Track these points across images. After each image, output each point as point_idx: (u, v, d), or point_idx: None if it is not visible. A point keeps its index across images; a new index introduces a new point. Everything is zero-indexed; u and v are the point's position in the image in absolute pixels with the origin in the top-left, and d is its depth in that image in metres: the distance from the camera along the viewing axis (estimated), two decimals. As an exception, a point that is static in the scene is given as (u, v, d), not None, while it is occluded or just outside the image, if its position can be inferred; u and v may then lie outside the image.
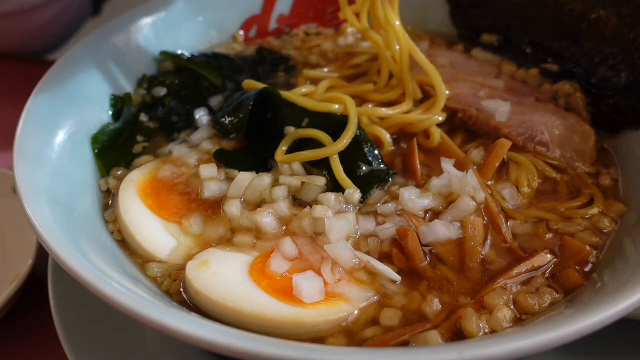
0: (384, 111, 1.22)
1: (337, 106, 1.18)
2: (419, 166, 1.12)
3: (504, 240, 1.01)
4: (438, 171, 1.11)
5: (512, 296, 0.92)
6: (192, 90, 1.39)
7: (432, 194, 1.06)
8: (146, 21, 1.44)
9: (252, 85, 1.28)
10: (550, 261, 0.98)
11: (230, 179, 1.10)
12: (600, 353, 0.99)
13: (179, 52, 1.48)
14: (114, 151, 1.22)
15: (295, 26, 1.69)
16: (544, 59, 1.43)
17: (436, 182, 1.07)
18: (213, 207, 1.08)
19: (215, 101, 1.33)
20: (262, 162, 1.17)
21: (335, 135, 1.12)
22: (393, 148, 1.21)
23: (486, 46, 1.53)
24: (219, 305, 0.89)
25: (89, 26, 2.01)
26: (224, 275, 0.93)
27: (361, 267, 0.96)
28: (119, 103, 1.32)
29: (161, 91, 1.38)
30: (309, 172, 1.12)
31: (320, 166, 1.11)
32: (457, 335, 0.87)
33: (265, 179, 1.08)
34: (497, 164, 1.13)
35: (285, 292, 0.91)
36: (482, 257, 0.98)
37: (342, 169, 1.09)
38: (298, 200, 1.08)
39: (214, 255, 0.98)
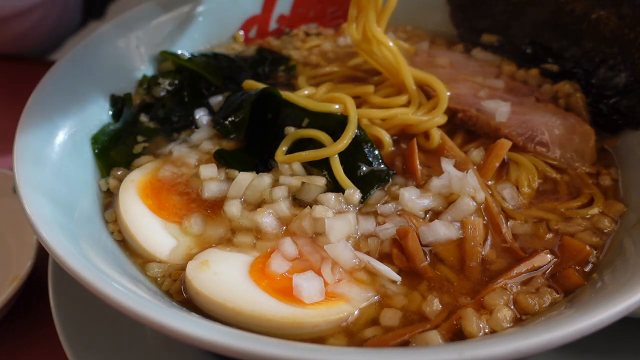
0: (384, 112, 1.22)
1: (337, 106, 1.18)
2: (419, 166, 1.13)
3: (504, 240, 1.01)
4: (438, 171, 1.11)
5: (512, 296, 0.92)
6: (192, 90, 1.39)
7: (432, 194, 1.06)
8: (146, 21, 1.44)
9: (252, 85, 1.28)
10: (550, 261, 0.98)
11: (230, 179, 1.10)
12: (600, 352, 0.99)
13: (179, 52, 1.48)
14: (114, 151, 1.22)
15: (295, 26, 1.69)
16: (544, 59, 1.43)
17: (436, 182, 1.07)
18: (213, 207, 1.08)
19: (215, 101, 1.33)
20: (262, 162, 1.17)
21: (335, 136, 1.12)
22: (393, 148, 1.21)
23: (486, 46, 1.53)
24: (219, 305, 0.89)
25: (92, 28, 2.01)
26: (224, 275, 0.93)
27: (361, 267, 0.96)
28: (119, 103, 1.32)
29: (161, 91, 1.38)
30: (309, 172, 1.12)
31: (320, 166, 1.11)
32: (457, 335, 0.87)
33: (265, 179, 1.08)
34: (497, 164, 1.13)
35: (285, 292, 0.91)
36: (482, 257, 0.98)
37: (341, 169, 1.09)
38: (298, 200, 1.08)
39: (214, 255, 0.98)
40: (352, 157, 1.12)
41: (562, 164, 1.18)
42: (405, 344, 0.86)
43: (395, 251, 0.98)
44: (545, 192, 1.13)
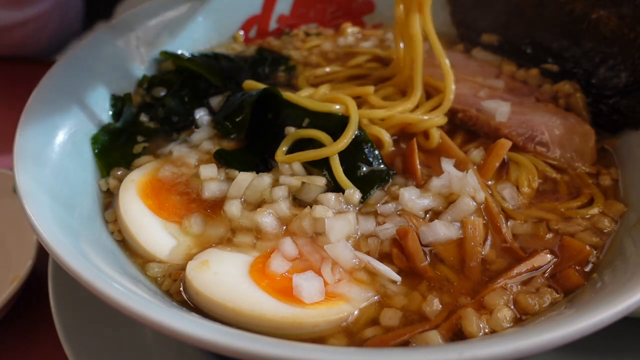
0: (384, 112, 1.22)
1: (337, 106, 1.18)
2: (418, 166, 1.12)
3: (504, 240, 1.01)
4: (438, 171, 1.11)
5: (512, 296, 0.92)
6: (192, 90, 1.39)
7: (432, 194, 1.06)
8: (146, 21, 1.44)
9: (253, 85, 1.28)
10: (550, 261, 0.98)
11: (230, 179, 1.10)
12: (600, 352, 0.99)
13: (179, 52, 1.48)
14: (114, 151, 1.22)
15: (295, 26, 1.69)
16: (544, 59, 1.43)
17: (436, 182, 1.07)
18: (213, 207, 1.08)
19: (215, 101, 1.33)
20: (262, 162, 1.17)
21: (336, 136, 1.12)
22: (393, 148, 1.21)
23: (486, 46, 1.53)
24: (219, 305, 0.89)
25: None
26: (224, 275, 0.93)
27: (361, 267, 0.96)
28: (119, 103, 1.32)
29: (161, 91, 1.38)
30: (309, 172, 1.12)
31: (320, 166, 1.11)
32: (457, 335, 0.87)
33: (265, 179, 1.08)
34: (497, 164, 1.13)
35: (285, 292, 0.91)
36: (482, 257, 0.99)
37: (341, 169, 1.09)
38: (298, 200, 1.08)
39: (214, 255, 0.98)
40: (352, 157, 1.12)
41: (562, 164, 1.18)
42: (405, 344, 0.86)
43: (395, 251, 0.98)
44: (545, 192, 1.13)
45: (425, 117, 1.22)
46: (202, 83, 1.41)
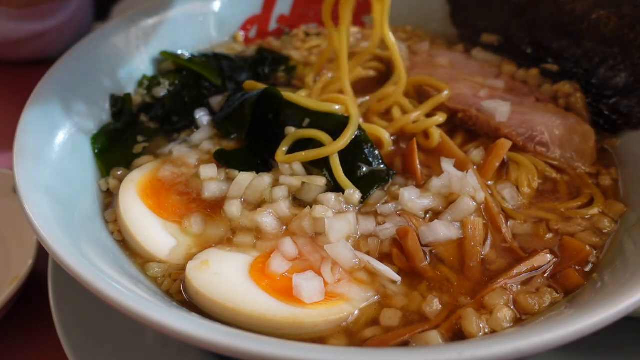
0: (381, 104, 1.24)
1: (338, 106, 1.18)
2: (418, 166, 1.12)
3: (504, 240, 1.01)
4: (438, 171, 1.11)
5: (512, 296, 0.92)
6: (192, 90, 1.39)
7: (432, 194, 1.06)
8: (146, 21, 1.44)
9: (253, 85, 1.28)
10: (550, 261, 0.98)
11: (230, 179, 1.10)
12: (600, 352, 0.99)
13: (179, 52, 1.48)
14: (114, 151, 1.22)
15: (295, 26, 1.69)
16: (544, 59, 1.43)
17: (436, 182, 1.07)
18: (213, 207, 1.08)
19: (215, 101, 1.33)
20: (262, 162, 1.17)
21: (336, 136, 1.12)
22: (393, 148, 1.21)
23: (486, 46, 1.53)
24: (219, 305, 0.89)
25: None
26: (224, 275, 0.93)
27: (361, 267, 0.96)
28: (119, 103, 1.32)
29: (161, 91, 1.38)
30: (309, 172, 1.12)
31: (320, 166, 1.11)
32: (457, 335, 0.87)
33: (266, 179, 1.08)
34: (497, 164, 1.13)
35: (285, 292, 0.91)
36: (482, 257, 0.99)
37: (341, 169, 1.09)
38: (298, 200, 1.08)
39: (214, 255, 0.98)
40: (352, 157, 1.12)
41: (562, 164, 1.18)
42: (405, 344, 0.86)
43: (395, 251, 0.98)
44: (545, 192, 1.13)
45: (414, 115, 1.23)
46: (202, 83, 1.41)
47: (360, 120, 1.21)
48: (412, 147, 1.15)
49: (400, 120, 1.24)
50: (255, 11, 1.64)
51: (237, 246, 1.01)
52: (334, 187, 1.09)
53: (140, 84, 1.40)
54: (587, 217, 1.07)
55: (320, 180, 1.08)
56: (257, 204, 1.07)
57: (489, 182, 1.13)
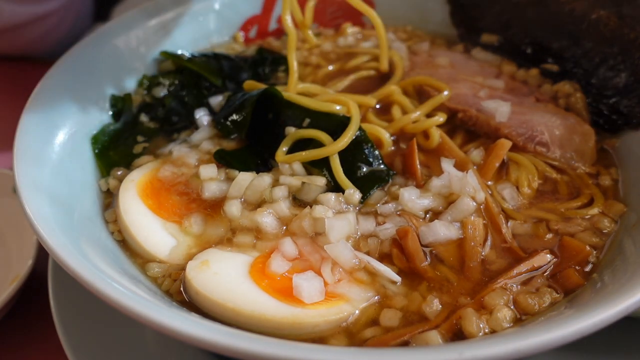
0: (386, 124, 1.25)
1: (338, 107, 1.18)
2: (418, 166, 1.12)
3: (504, 240, 1.01)
4: (438, 171, 1.11)
5: (512, 296, 0.92)
6: (192, 90, 1.39)
7: (432, 194, 1.06)
8: (146, 21, 1.44)
9: (253, 85, 1.28)
10: (550, 261, 0.98)
11: (230, 179, 1.10)
12: (600, 352, 0.99)
13: (179, 52, 1.48)
14: (114, 151, 1.22)
15: (295, 26, 1.69)
16: (544, 59, 1.43)
17: (436, 182, 1.07)
18: (213, 207, 1.08)
19: (215, 101, 1.33)
20: (262, 162, 1.17)
21: (336, 136, 1.12)
22: (393, 148, 1.21)
23: (486, 46, 1.53)
24: (219, 305, 0.89)
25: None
26: (224, 275, 0.93)
27: (361, 267, 0.96)
28: (119, 103, 1.32)
29: (161, 91, 1.38)
30: (309, 172, 1.12)
31: (320, 166, 1.11)
32: (457, 335, 0.87)
33: (266, 179, 1.08)
34: (497, 164, 1.13)
35: (285, 292, 0.91)
36: (482, 257, 0.99)
37: (341, 169, 1.09)
38: (298, 200, 1.08)
39: (214, 255, 0.98)
40: (352, 158, 1.12)
41: (562, 164, 1.18)
42: (405, 344, 0.86)
43: (395, 251, 0.98)
44: (545, 192, 1.13)
45: (416, 115, 1.24)
46: (202, 83, 1.41)
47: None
48: (412, 147, 1.15)
49: (400, 120, 1.24)
50: (255, 11, 1.64)
51: (237, 246, 1.01)
52: (334, 187, 1.09)
53: (140, 84, 1.40)
54: (587, 217, 1.07)
55: (320, 180, 1.08)
56: (257, 204, 1.07)
57: (489, 182, 1.13)
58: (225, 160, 1.15)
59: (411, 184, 1.11)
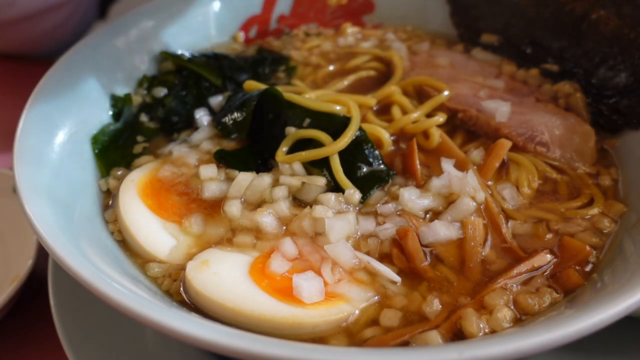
0: (386, 124, 1.25)
1: (339, 107, 1.18)
2: (418, 166, 1.12)
3: (504, 240, 1.01)
4: (438, 171, 1.11)
5: (512, 296, 0.92)
6: (192, 90, 1.39)
7: (432, 194, 1.06)
8: (146, 21, 1.44)
9: (254, 86, 1.28)
10: (550, 261, 0.98)
11: (230, 179, 1.10)
12: (600, 352, 0.99)
13: (179, 52, 1.48)
14: (114, 151, 1.22)
15: (295, 26, 1.69)
16: (544, 59, 1.43)
17: (436, 182, 1.07)
18: (213, 207, 1.08)
19: (215, 101, 1.33)
20: (262, 162, 1.17)
21: (336, 136, 1.12)
22: (393, 148, 1.21)
23: (486, 46, 1.53)
24: (219, 305, 0.89)
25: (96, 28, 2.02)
26: (224, 275, 0.93)
27: (361, 267, 0.96)
28: (119, 103, 1.32)
29: (161, 91, 1.38)
30: (309, 172, 1.12)
31: (320, 166, 1.11)
32: (457, 335, 0.87)
33: (266, 179, 1.08)
34: (497, 164, 1.13)
35: (285, 292, 0.91)
36: (482, 257, 0.98)
37: (341, 169, 1.09)
38: (298, 200, 1.08)
39: (214, 255, 0.98)
40: (352, 158, 1.12)
41: (562, 164, 1.18)
42: (405, 344, 0.86)
43: (395, 251, 0.98)
44: (545, 192, 1.13)
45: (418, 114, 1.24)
46: (202, 83, 1.41)
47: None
48: (412, 147, 1.15)
49: (400, 120, 1.24)
50: (255, 11, 1.64)
51: (237, 246, 1.01)
52: (334, 187, 1.09)
53: (140, 84, 1.40)
54: (587, 217, 1.07)
55: (320, 180, 1.08)
56: (257, 204, 1.07)
57: (489, 182, 1.13)
58: (225, 160, 1.15)
59: (411, 184, 1.11)
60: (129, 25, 1.41)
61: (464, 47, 1.56)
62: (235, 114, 1.23)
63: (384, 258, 0.99)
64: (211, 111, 1.32)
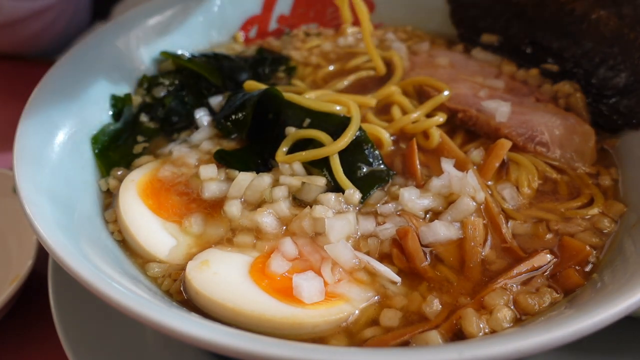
0: (385, 124, 1.25)
1: (339, 107, 1.18)
2: (418, 166, 1.12)
3: (504, 240, 1.01)
4: (438, 171, 1.11)
5: (512, 296, 0.92)
6: (192, 90, 1.39)
7: (432, 194, 1.06)
8: (146, 21, 1.44)
9: (254, 86, 1.28)
10: (550, 261, 0.98)
11: (230, 179, 1.10)
12: (600, 352, 0.99)
13: (179, 52, 1.48)
14: (114, 151, 1.22)
15: (295, 26, 1.69)
16: (544, 59, 1.43)
17: (436, 182, 1.07)
18: (213, 207, 1.08)
19: (215, 101, 1.33)
20: (262, 162, 1.17)
21: (336, 136, 1.12)
22: (393, 148, 1.21)
23: (486, 46, 1.53)
24: (219, 305, 0.89)
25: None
26: (224, 275, 0.93)
27: (361, 267, 0.96)
28: (119, 103, 1.32)
29: (161, 91, 1.38)
30: (309, 172, 1.12)
31: (321, 166, 1.11)
32: (457, 335, 0.87)
33: (266, 179, 1.08)
34: (497, 164, 1.13)
35: (285, 292, 0.91)
36: (482, 257, 0.98)
37: (341, 169, 1.09)
38: (298, 200, 1.08)
39: (214, 255, 0.98)
40: (352, 158, 1.12)
41: (562, 164, 1.18)
42: (405, 344, 0.86)
43: (395, 251, 0.98)
44: (545, 192, 1.13)
45: (417, 113, 1.24)
46: (202, 83, 1.41)
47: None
48: (412, 147, 1.15)
49: (400, 120, 1.24)
50: (255, 11, 1.64)
51: (237, 246, 1.01)
52: (334, 187, 1.09)
53: (140, 84, 1.40)
54: (587, 217, 1.07)
55: (320, 180, 1.08)
56: (257, 204, 1.07)
57: (489, 182, 1.13)
58: (225, 160, 1.15)
59: (411, 184, 1.11)
60: (129, 25, 1.41)
61: (464, 47, 1.56)
62: (235, 114, 1.23)
63: (384, 258, 0.99)
64: (211, 111, 1.32)
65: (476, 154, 1.17)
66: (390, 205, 1.05)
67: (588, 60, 1.34)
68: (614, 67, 1.28)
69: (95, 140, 1.21)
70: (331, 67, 1.49)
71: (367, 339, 0.88)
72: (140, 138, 1.28)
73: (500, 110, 1.22)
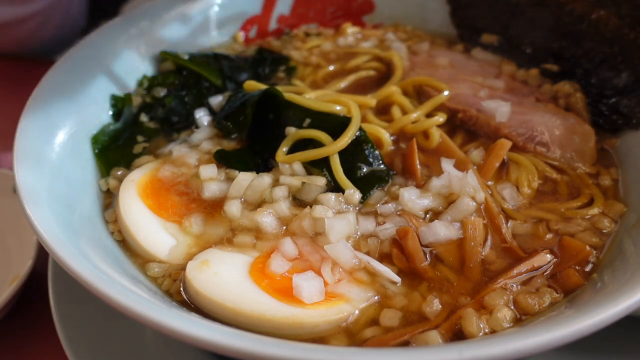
0: (385, 124, 1.25)
1: (339, 107, 1.18)
2: (418, 166, 1.12)
3: (504, 240, 1.01)
4: (438, 171, 1.11)
5: (512, 296, 0.92)
6: (192, 90, 1.39)
7: (432, 194, 1.06)
8: (146, 21, 1.44)
9: (254, 86, 1.28)
10: (550, 261, 0.98)
11: (230, 179, 1.10)
12: (601, 352, 0.99)
13: (179, 52, 1.48)
14: (114, 151, 1.22)
15: (295, 26, 1.69)
16: (544, 59, 1.43)
17: (436, 182, 1.07)
18: (213, 207, 1.08)
19: (215, 101, 1.33)
20: (262, 162, 1.17)
21: (336, 136, 1.12)
22: (393, 148, 1.21)
23: (486, 46, 1.53)
24: (219, 305, 0.89)
25: None
26: (224, 275, 0.93)
27: (361, 267, 0.96)
28: (119, 103, 1.32)
29: (161, 91, 1.38)
30: (309, 172, 1.12)
31: (321, 166, 1.11)
32: (457, 335, 0.87)
33: (266, 179, 1.08)
34: (497, 164, 1.13)
35: (285, 292, 0.91)
36: (482, 257, 0.98)
37: (341, 169, 1.09)
38: (298, 200, 1.08)
39: (214, 255, 0.98)
40: (352, 158, 1.12)
41: (562, 164, 1.18)
42: (405, 344, 0.86)
43: (395, 251, 0.98)
44: (545, 192, 1.13)
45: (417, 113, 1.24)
46: (202, 83, 1.41)
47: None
48: (412, 147, 1.15)
49: (400, 120, 1.24)
50: (255, 11, 1.64)
51: (237, 246, 1.01)
52: (334, 187, 1.09)
53: (140, 84, 1.40)
54: (587, 217, 1.07)
55: (320, 180, 1.08)
56: (257, 204, 1.07)
57: (489, 182, 1.13)
58: (225, 160, 1.15)
59: (411, 184, 1.11)
60: (129, 25, 1.41)
61: (464, 47, 1.56)
62: (236, 114, 1.23)
63: (384, 258, 0.99)
64: (211, 111, 1.32)
65: (476, 154, 1.17)
66: (390, 205, 1.05)
67: (588, 60, 1.34)
68: (614, 67, 1.28)
69: (95, 140, 1.21)
70: (331, 67, 1.49)
71: (367, 339, 0.88)
72: (140, 138, 1.28)
73: (500, 110, 1.22)
